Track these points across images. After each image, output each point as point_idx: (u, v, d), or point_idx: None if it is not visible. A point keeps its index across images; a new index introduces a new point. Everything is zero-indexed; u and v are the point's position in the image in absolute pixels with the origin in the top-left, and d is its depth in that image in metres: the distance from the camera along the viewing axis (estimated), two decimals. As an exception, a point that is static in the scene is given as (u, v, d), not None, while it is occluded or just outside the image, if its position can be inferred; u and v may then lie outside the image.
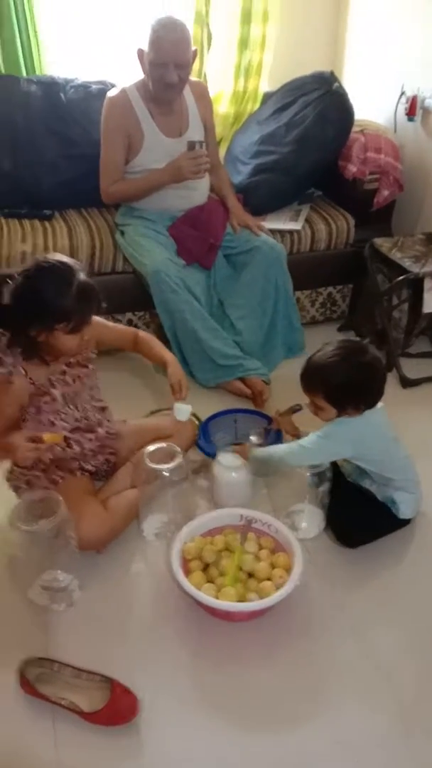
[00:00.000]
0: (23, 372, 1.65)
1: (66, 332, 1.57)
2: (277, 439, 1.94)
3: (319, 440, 1.66)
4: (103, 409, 1.85)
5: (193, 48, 2.23)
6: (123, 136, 2.31)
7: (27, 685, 1.37)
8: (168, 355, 1.98)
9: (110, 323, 1.98)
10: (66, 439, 1.73)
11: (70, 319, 1.55)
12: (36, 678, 1.39)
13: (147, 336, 2.02)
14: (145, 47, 2.18)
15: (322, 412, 1.67)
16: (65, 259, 1.62)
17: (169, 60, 2.15)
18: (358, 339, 1.66)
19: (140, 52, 2.21)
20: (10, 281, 1.56)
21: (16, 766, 1.28)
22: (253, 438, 1.85)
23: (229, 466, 1.80)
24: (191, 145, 2.27)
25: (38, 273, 1.56)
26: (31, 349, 1.62)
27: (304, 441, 1.69)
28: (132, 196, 2.38)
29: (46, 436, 1.59)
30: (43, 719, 1.35)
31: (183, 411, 1.89)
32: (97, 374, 1.83)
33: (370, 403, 1.65)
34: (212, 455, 1.91)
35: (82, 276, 1.59)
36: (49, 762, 1.28)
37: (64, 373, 1.71)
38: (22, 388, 1.66)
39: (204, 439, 2.02)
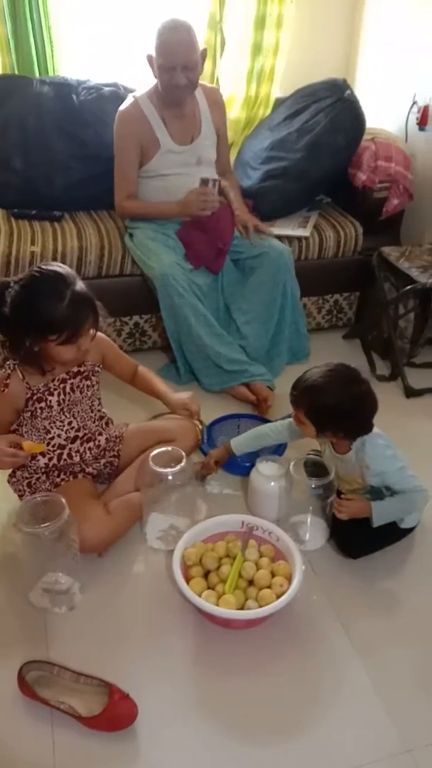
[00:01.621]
0: (21, 376, 1.64)
1: (58, 344, 1.55)
2: (279, 450, 1.95)
3: (403, 465, 1.67)
4: (102, 418, 1.85)
5: (202, 47, 2.24)
6: (136, 147, 2.33)
7: (26, 687, 1.37)
8: (164, 397, 1.93)
9: (120, 352, 1.93)
10: (63, 446, 1.73)
11: (62, 331, 1.53)
12: (35, 681, 1.39)
13: (147, 372, 1.97)
14: (153, 52, 2.19)
15: (303, 426, 1.67)
16: (62, 268, 1.60)
17: (177, 63, 2.16)
18: (355, 368, 1.65)
19: (150, 58, 2.22)
20: (9, 290, 1.55)
21: (13, 768, 1.29)
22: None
23: (269, 476, 1.79)
24: (204, 182, 2.30)
25: (31, 283, 1.55)
26: (30, 358, 1.61)
27: (403, 484, 1.67)
28: (141, 217, 2.41)
29: (26, 444, 1.59)
30: (41, 723, 1.35)
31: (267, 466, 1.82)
32: (100, 383, 1.82)
33: (353, 433, 1.65)
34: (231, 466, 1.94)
35: (77, 287, 1.56)
36: (47, 766, 1.28)
37: (64, 381, 1.70)
38: (18, 393, 1.65)
39: (208, 443, 2.02)
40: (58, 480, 1.77)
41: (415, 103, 2.71)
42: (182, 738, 1.34)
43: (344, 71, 3.02)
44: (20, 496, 1.77)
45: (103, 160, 2.41)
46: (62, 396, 1.70)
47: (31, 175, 2.52)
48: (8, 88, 2.57)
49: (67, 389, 1.71)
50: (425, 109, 2.65)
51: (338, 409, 1.59)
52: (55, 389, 1.69)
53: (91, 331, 1.62)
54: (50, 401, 1.69)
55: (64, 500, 1.51)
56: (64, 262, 2.32)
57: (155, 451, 1.74)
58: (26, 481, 1.76)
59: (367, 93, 2.88)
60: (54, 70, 2.70)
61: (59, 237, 2.38)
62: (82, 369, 1.73)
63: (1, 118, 2.54)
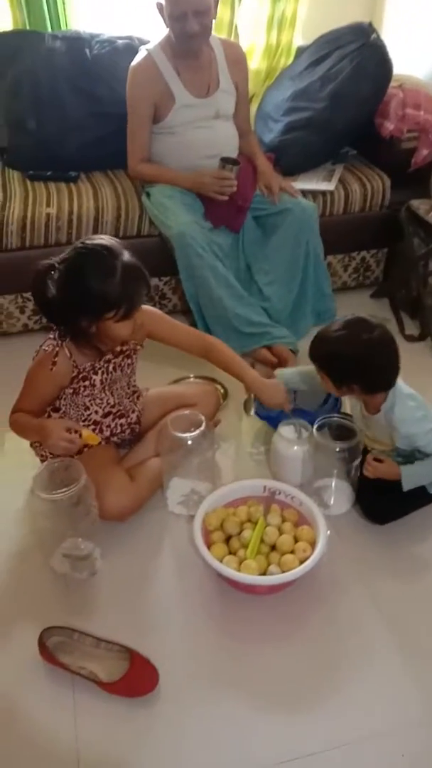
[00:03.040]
0: (68, 354, 1.59)
1: (117, 320, 1.49)
2: (335, 407, 1.88)
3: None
4: (135, 392, 1.81)
5: None
6: (150, 107, 2.24)
7: (47, 653, 1.37)
8: (247, 379, 1.81)
9: (175, 321, 1.83)
10: (98, 421, 1.71)
11: (119, 306, 1.47)
12: (56, 647, 1.39)
13: (223, 346, 1.85)
14: (163, 0, 2.09)
15: (324, 382, 1.63)
16: (107, 240, 1.52)
17: (187, 9, 2.05)
18: (368, 317, 1.57)
19: (159, 6, 2.12)
20: (53, 272, 1.49)
21: (35, 734, 1.29)
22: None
23: (291, 440, 1.74)
24: (223, 164, 2.21)
25: (79, 261, 1.47)
26: (86, 340, 1.56)
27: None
28: (155, 180, 2.32)
29: (85, 433, 1.55)
30: (63, 688, 1.35)
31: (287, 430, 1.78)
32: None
33: (369, 387, 1.58)
34: (269, 419, 1.88)
35: (126, 257, 1.49)
36: (68, 730, 1.28)
37: (108, 361, 1.66)
38: (65, 371, 1.61)
39: (257, 401, 1.91)
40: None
41: (446, 45, 2.56)
42: (204, 705, 1.33)
43: (370, 14, 2.86)
44: (42, 461, 1.75)
45: (117, 117, 2.32)
46: (105, 375, 1.67)
47: (45, 135, 2.44)
48: (19, 44, 2.48)
49: (110, 368, 1.67)
50: (457, 51, 2.50)
51: (348, 359, 1.54)
52: (99, 368, 1.65)
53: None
54: (94, 380, 1.65)
55: (81, 465, 1.49)
56: (80, 224, 2.28)
57: (174, 416, 1.71)
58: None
59: (395, 37, 2.72)
60: (67, 24, 2.61)
61: (75, 198, 2.32)
62: (125, 348, 1.68)
63: (13, 76, 2.46)
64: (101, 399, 1.70)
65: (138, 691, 1.32)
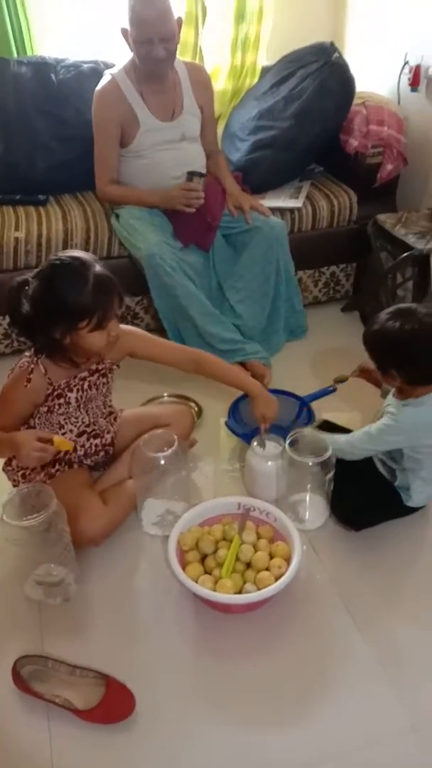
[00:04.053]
0: (43, 371, 1.60)
1: (90, 330, 1.50)
2: (307, 421, 1.89)
3: (383, 428, 1.61)
4: (111, 413, 1.81)
5: (177, 16, 2.15)
6: (116, 129, 2.26)
7: (21, 683, 1.35)
8: (253, 387, 1.85)
9: (157, 338, 1.86)
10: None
11: (91, 315, 1.48)
12: (30, 675, 1.36)
13: (213, 358, 1.88)
14: (127, 26, 2.11)
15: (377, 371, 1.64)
16: (78, 253, 1.55)
17: (153, 35, 2.08)
18: (416, 307, 1.57)
19: (124, 31, 2.14)
20: (27, 287, 1.51)
21: (10, 765, 1.26)
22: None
23: (264, 455, 1.74)
24: (190, 177, 2.23)
25: (52, 272, 1.50)
26: (60, 352, 1.57)
27: (369, 429, 1.63)
28: (123, 202, 2.34)
29: (56, 439, 1.54)
30: (37, 718, 1.32)
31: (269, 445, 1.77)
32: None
33: (411, 377, 1.54)
34: (241, 435, 1.88)
35: (97, 268, 1.51)
36: (44, 762, 1.26)
37: (83, 378, 1.66)
38: (40, 388, 1.61)
39: (233, 418, 1.94)
40: (53, 471, 1.73)
41: (406, 63, 2.61)
42: (183, 728, 1.31)
43: (332, 34, 2.91)
44: (14, 486, 1.73)
45: (85, 140, 2.34)
46: (80, 393, 1.66)
47: (12, 159, 2.46)
48: (-15, 71, 2.50)
49: (85, 386, 1.67)
50: (417, 69, 2.55)
51: (389, 343, 1.53)
52: (75, 386, 1.65)
53: (117, 316, 1.57)
54: (69, 398, 1.65)
55: (52, 491, 1.47)
56: (49, 247, 2.28)
57: (147, 437, 1.70)
58: (21, 471, 1.73)
59: (357, 56, 2.77)
60: (32, 49, 2.63)
61: (44, 221, 2.32)
62: (100, 367, 1.69)
63: (-20, 103, 2.47)
64: (76, 418, 1.69)
65: (115, 718, 1.30)
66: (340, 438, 1.69)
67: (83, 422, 1.71)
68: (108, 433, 1.78)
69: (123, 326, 1.64)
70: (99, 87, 2.27)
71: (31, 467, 1.66)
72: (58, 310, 1.48)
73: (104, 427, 1.77)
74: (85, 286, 1.47)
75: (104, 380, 1.72)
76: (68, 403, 1.66)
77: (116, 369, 1.75)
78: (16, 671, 1.35)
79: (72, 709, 1.30)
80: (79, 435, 1.72)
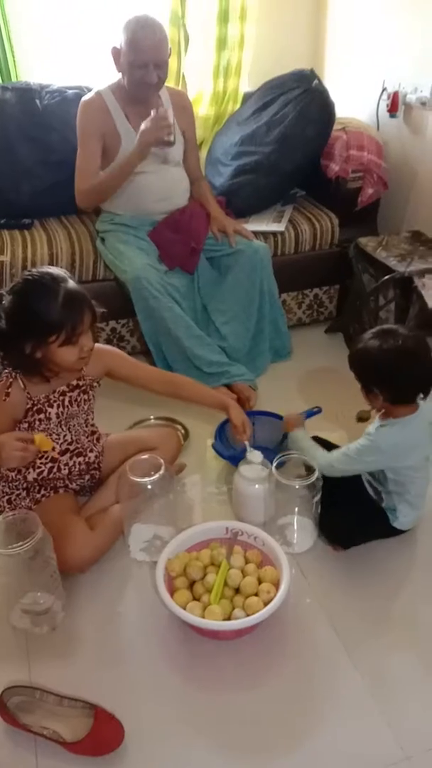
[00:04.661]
0: (22, 385, 1.60)
1: (60, 344, 1.52)
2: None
3: (360, 448, 1.62)
4: (93, 433, 1.80)
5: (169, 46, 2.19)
6: (99, 139, 2.27)
7: (7, 714, 1.32)
8: (226, 399, 1.91)
9: (136, 361, 1.88)
10: (56, 458, 1.69)
11: (60, 329, 1.50)
12: (17, 707, 1.34)
13: (190, 381, 1.93)
14: (120, 46, 2.14)
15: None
16: (52, 269, 1.58)
17: (150, 60, 2.11)
18: (398, 327, 1.62)
19: (115, 52, 2.17)
20: (2, 301, 1.52)
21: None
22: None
23: (252, 479, 1.74)
24: (156, 109, 2.17)
25: (24, 287, 1.52)
26: (31, 367, 1.58)
27: (347, 449, 1.66)
28: (107, 187, 2.27)
29: (37, 438, 1.53)
30: (25, 751, 1.30)
31: (255, 455, 1.78)
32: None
33: (391, 396, 1.57)
34: (228, 458, 1.88)
35: (69, 284, 1.54)
36: (30, 796, 1.24)
37: (63, 394, 1.66)
38: (19, 402, 1.61)
39: (220, 441, 1.95)
40: (38, 496, 1.72)
41: (384, 89, 2.67)
42: (172, 758, 1.29)
43: (312, 61, 2.97)
44: (0, 513, 1.72)
45: (69, 164, 2.34)
46: (61, 408, 1.67)
47: (-3, 183, 2.47)
48: (-31, 97, 2.51)
49: (66, 402, 1.67)
50: (395, 95, 2.61)
51: (369, 361, 1.56)
52: (54, 401, 1.65)
53: (91, 331, 1.58)
54: (49, 413, 1.65)
55: (37, 518, 1.46)
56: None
57: (133, 460, 1.70)
58: (6, 497, 1.71)
59: (337, 82, 2.83)
60: (17, 75, 2.65)
61: (29, 245, 2.32)
62: (80, 383, 1.69)
63: (-36, 128, 2.48)
64: (57, 434, 1.69)
65: (103, 750, 1.27)
66: (321, 457, 1.71)
67: (65, 440, 1.71)
68: (91, 452, 1.78)
69: (102, 345, 1.67)
70: (85, 98, 2.28)
71: (14, 467, 1.64)
72: (29, 324, 1.51)
73: (87, 445, 1.77)
74: (55, 301, 1.49)
75: (85, 397, 1.72)
76: (48, 419, 1.65)
77: (97, 387, 1.75)
78: (3, 703, 1.33)
79: (60, 742, 1.28)
80: (63, 453, 1.71)
